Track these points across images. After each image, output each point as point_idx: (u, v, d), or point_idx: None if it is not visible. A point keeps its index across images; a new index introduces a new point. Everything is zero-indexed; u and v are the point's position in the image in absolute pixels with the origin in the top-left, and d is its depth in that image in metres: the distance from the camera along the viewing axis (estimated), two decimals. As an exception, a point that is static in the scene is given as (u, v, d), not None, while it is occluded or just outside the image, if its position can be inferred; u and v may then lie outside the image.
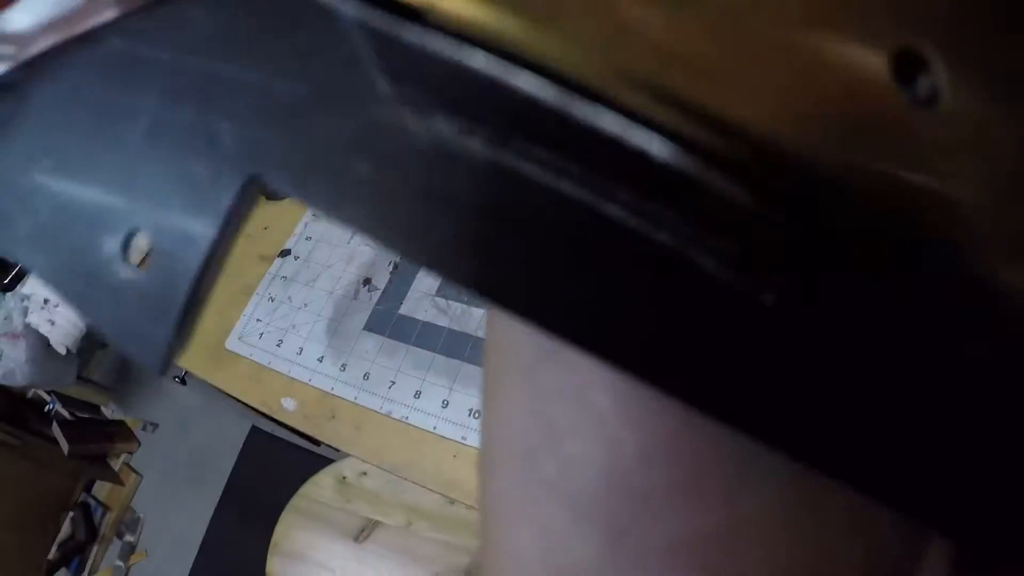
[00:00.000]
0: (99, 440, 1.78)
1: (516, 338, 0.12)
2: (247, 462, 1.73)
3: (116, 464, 1.84)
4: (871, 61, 0.09)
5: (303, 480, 1.01)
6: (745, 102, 0.09)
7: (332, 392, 0.72)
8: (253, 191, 0.10)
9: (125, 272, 0.10)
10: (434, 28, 0.09)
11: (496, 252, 0.09)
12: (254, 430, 1.72)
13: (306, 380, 0.73)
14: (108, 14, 0.11)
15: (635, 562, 0.11)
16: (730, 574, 0.11)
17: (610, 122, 0.08)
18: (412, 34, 0.09)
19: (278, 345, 0.75)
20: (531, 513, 0.12)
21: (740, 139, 0.09)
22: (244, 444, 1.73)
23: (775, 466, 0.10)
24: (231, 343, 0.77)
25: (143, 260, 0.10)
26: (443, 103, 0.09)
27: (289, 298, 0.77)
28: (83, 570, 1.74)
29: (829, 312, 0.09)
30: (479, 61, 0.09)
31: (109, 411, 1.90)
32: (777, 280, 0.09)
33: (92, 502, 1.81)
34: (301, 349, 0.74)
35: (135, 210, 0.10)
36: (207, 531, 1.69)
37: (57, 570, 1.72)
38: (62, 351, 1.00)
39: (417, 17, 0.09)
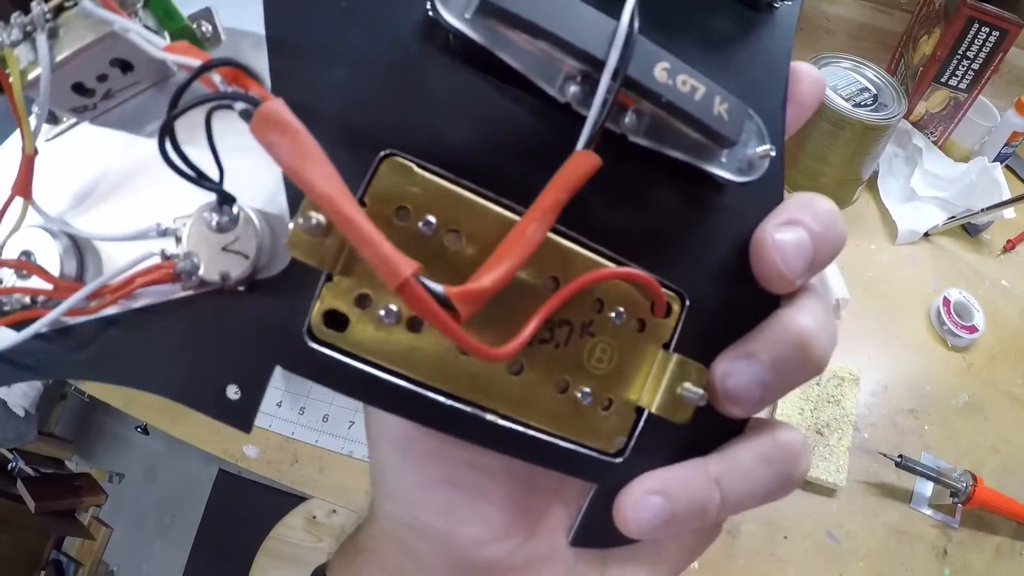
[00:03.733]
0: (66, 495, 1.74)
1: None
2: (217, 506, 1.71)
3: (85, 518, 1.81)
4: None
5: (275, 519, 1.01)
6: None
7: (293, 437, 0.73)
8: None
9: (233, 395, 0.19)
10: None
11: None
12: (222, 473, 1.71)
13: (266, 426, 0.74)
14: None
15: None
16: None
17: None
18: None
19: (236, 394, 0.76)
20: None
21: None
22: (213, 488, 1.71)
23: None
24: (190, 395, 0.77)
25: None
26: None
27: (244, 347, 0.78)
28: (59, 629, 1.71)
29: None
30: None
31: (73, 464, 1.86)
32: None
33: (63, 559, 1.77)
34: (259, 396, 0.75)
35: (224, 367, 0.19)
36: (183, 578, 1.67)
37: (32, 632, 1.68)
38: (20, 412, 0.99)
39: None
